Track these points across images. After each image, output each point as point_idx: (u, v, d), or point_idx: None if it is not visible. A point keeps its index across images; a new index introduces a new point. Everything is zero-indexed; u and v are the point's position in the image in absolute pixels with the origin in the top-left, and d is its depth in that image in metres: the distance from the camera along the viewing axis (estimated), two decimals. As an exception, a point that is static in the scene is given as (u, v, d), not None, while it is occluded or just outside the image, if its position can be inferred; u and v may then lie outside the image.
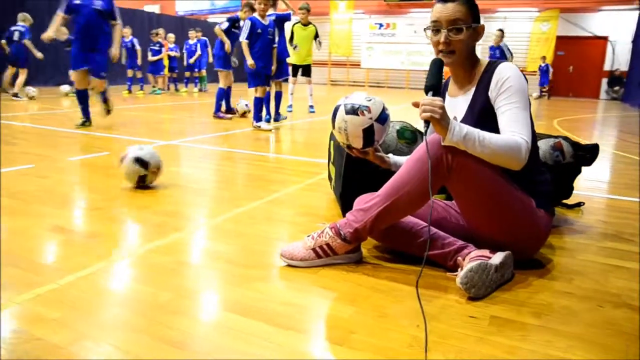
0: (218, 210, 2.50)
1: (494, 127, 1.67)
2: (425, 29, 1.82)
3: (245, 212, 2.47)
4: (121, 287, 1.63)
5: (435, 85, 1.61)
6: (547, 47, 15.72)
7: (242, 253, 1.93)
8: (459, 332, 1.38)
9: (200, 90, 12.67)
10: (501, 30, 9.75)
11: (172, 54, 12.13)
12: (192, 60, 12.07)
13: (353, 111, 1.83)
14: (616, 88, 15.36)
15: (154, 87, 11.72)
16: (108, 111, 5.67)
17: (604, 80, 15.83)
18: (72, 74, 5.52)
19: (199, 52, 12.06)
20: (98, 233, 2.11)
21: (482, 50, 13.68)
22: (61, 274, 1.67)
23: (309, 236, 1.81)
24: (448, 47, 1.74)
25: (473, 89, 1.80)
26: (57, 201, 2.58)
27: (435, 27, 1.75)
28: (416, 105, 1.59)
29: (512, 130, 1.63)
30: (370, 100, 1.85)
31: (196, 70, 12.39)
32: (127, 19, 14.46)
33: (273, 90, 6.64)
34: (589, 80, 16.17)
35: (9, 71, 9.23)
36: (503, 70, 1.71)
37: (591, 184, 3.40)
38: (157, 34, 11.63)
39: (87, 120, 5.46)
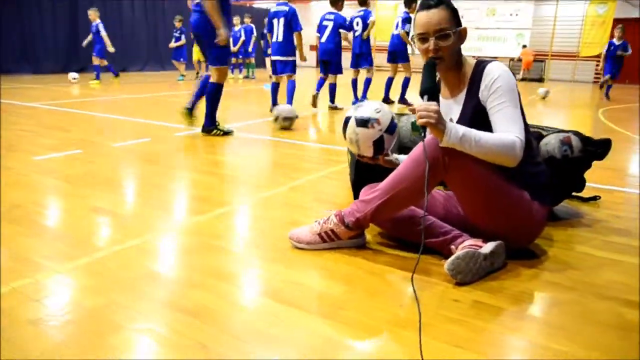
0: (243, 196, 2.71)
1: (488, 127, 1.76)
2: (411, 38, 1.90)
3: (267, 198, 2.66)
4: (149, 262, 1.85)
5: (430, 89, 1.69)
6: (602, 31, 15.06)
7: (259, 235, 2.13)
8: (440, 313, 1.52)
9: (246, 77, 12.89)
10: None
11: None
12: (235, 49, 12.21)
13: (363, 124, 1.91)
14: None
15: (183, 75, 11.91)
16: None
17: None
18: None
19: (243, 38, 12.25)
20: (133, 214, 2.36)
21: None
22: (97, 248, 1.92)
23: (316, 221, 1.98)
24: (437, 53, 1.80)
25: (464, 92, 1.88)
26: (101, 184, 2.85)
27: (423, 36, 1.81)
28: (412, 111, 1.68)
29: (505, 129, 1.73)
30: (379, 112, 1.92)
31: (240, 57, 12.59)
32: (176, 6, 14.96)
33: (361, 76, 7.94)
34: (648, 66, 15.38)
35: None
36: (491, 71, 1.79)
37: (622, 177, 3.39)
38: (180, 21, 11.71)
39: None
